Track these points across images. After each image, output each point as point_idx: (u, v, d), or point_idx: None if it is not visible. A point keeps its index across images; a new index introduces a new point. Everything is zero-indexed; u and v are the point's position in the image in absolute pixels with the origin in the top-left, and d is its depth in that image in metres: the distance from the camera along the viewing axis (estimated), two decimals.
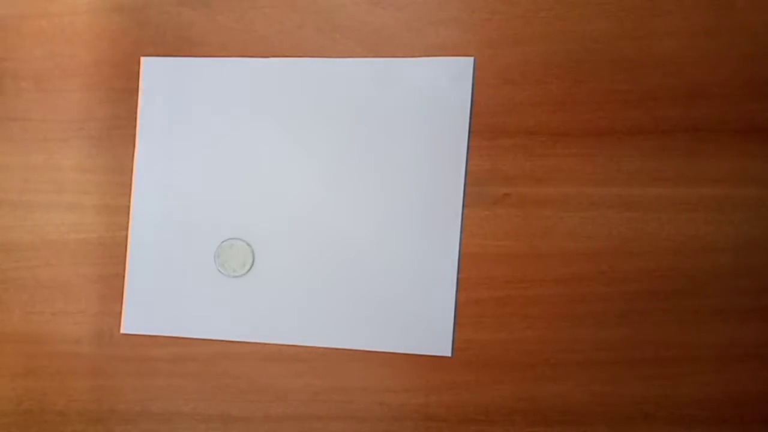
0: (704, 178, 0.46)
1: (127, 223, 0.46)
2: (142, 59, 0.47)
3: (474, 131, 0.46)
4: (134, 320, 0.46)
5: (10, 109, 0.46)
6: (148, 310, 0.47)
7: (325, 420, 0.47)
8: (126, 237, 0.46)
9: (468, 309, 0.46)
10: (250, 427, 0.47)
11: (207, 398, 0.47)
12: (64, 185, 0.47)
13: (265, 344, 0.47)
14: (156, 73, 0.47)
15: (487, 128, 0.46)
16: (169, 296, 0.46)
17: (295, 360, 0.47)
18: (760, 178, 0.46)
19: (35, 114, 0.46)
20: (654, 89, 0.46)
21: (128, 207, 0.46)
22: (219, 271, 0.46)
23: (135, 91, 0.47)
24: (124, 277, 0.46)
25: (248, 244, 0.46)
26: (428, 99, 0.46)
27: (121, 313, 0.47)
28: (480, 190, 0.46)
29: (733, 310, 0.46)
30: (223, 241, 0.46)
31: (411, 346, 0.46)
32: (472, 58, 0.46)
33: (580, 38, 0.46)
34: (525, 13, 0.46)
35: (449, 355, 0.46)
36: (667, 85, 0.46)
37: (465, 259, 0.46)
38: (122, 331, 0.46)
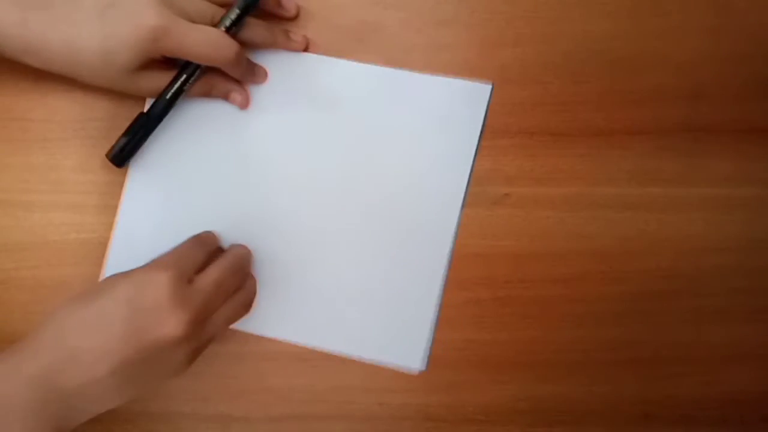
0: (704, 178, 0.46)
1: None
2: None
3: None
4: None
5: (10, 109, 0.46)
6: None
7: (325, 420, 0.47)
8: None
9: (468, 309, 0.46)
10: (250, 427, 0.47)
11: (207, 398, 0.47)
12: (64, 185, 0.46)
13: (265, 344, 0.46)
14: None
15: (487, 128, 0.46)
16: None
17: (295, 360, 0.47)
18: (760, 178, 0.46)
19: (35, 114, 0.46)
20: (654, 89, 0.46)
21: None
22: None
23: None
24: None
25: None
26: (440, 117, 0.46)
27: None
28: (480, 190, 0.46)
29: (733, 310, 0.46)
30: None
31: (383, 355, 0.46)
32: (490, 85, 0.46)
33: (580, 38, 0.46)
34: (525, 13, 0.46)
35: (422, 368, 0.46)
36: (667, 85, 0.46)
37: (465, 259, 0.46)
38: None
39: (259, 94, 0.46)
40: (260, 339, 0.46)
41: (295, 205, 0.46)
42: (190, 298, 0.38)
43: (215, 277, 0.40)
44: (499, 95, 0.46)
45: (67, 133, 0.46)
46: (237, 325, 0.45)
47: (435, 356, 0.46)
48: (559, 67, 0.46)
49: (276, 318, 0.46)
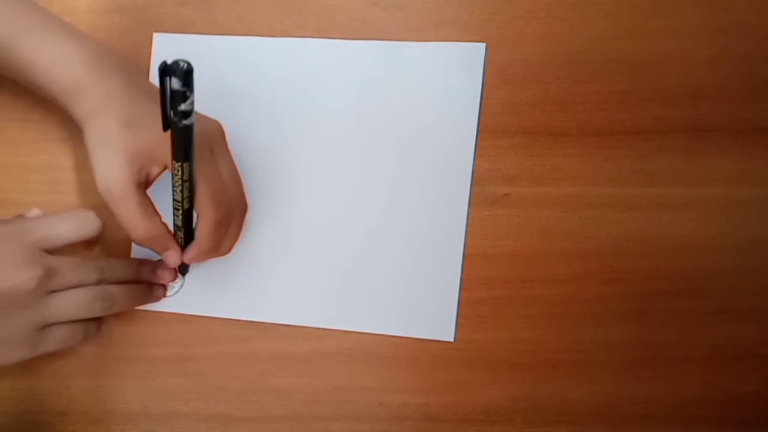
0: (704, 178, 0.46)
1: None
2: (155, 35, 0.47)
3: None
4: None
5: (10, 109, 0.46)
6: None
7: (325, 420, 0.47)
8: (127, 236, 0.46)
9: (468, 309, 0.46)
10: (250, 427, 0.47)
11: (207, 398, 0.47)
12: (64, 185, 0.47)
13: (265, 344, 0.47)
14: (168, 50, 0.47)
15: (488, 128, 0.46)
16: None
17: (295, 360, 0.47)
18: (760, 178, 0.46)
19: (35, 114, 0.46)
20: (654, 89, 0.46)
21: None
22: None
23: None
24: None
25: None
26: (438, 85, 0.46)
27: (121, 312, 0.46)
28: (480, 190, 0.46)
29: (733, 310, 0.46)
30: None
31: (415, 330, 0.46)
32: (483, 44, 0.46)
33: (580, 38, 0.46)
34: (525, 13, 0.46)
35: (452, 340, 0.46)
36: (667, 85, 0.46)
37: (465, 259, 0.46)
38: None
39: (256, 81, 0.46)
40: (260, 339, 0.47)
41: (311, 195, 0.47)
42: (45, 259, 0.38)
43: (75, 262, 0.40)
44: (499, 95, 0.46)
45: (67, 133, 0.46)
46: (276, 320, 0.46)
47: (435, 356, 0.46)
48: (559, 67, 0.46)
49: (317, 308, 0.47)
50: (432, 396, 0.47)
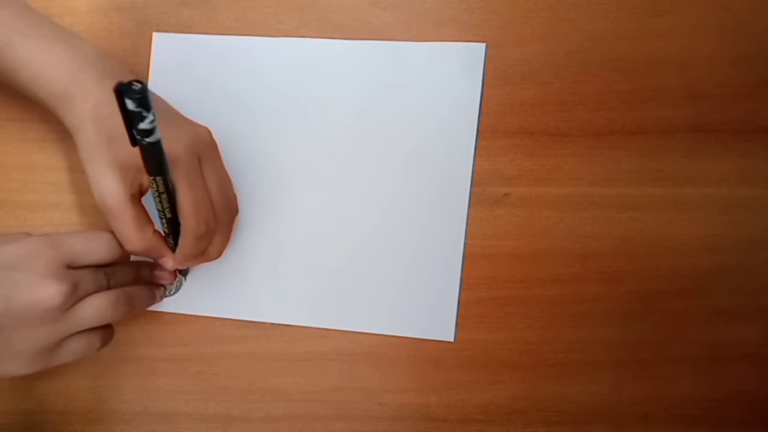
0: (704, 178, 0.46)
1: None
2: (155, 35, 0.47)
3: None
4: None
5: (9, 109, 0.46)
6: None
7: (325, 420, 0.47)
8: None
9: (468, 309, 0.46)
10: (250, 427, 0.47)
11: (207, 398, 0.47)
12: (64, 185, 0.47)
13: (266, 344, 0.47)
14: (167, 49, 0.47)
15: (487, 128, 0.46)
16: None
17: (295, 360, 0.47)
18: (760, 178, 0.46)
19: (35, 114, 0.46)
20: (654, 89, 0.46)
21: None
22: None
23: None
24: None
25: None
26: (438, 85, 0.46)
27: None
28: (480, 190, 0.46)
29: (733, 310, 0.46)
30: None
31: (415, 330, 0.46)
32: (483, 44, 0.46)
33: (580, 38, 0.46)
34: (525, 13, 0.46)
35: (452, 340, 0.46)
36: (667, 85, 0.46)
37: (465, 259, 0.46)
38: None
39: (255, 81, 0.46)
40: (260, 339, 0.47)
41: (312, 195, 0.47)
42: (70, 274, 0.37)
43: (94, 275, 0.39)
44: (499, 95, 0.46)
45: (67, 133, 0.46)
46: (275, 319, 0.46)
47: (435, 356, 0.46)
48: (559, 67, 0.46)
49: (316, 309, 0.47)
50: (432, 396, 0.47)
